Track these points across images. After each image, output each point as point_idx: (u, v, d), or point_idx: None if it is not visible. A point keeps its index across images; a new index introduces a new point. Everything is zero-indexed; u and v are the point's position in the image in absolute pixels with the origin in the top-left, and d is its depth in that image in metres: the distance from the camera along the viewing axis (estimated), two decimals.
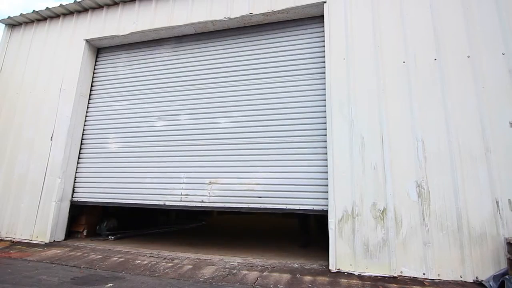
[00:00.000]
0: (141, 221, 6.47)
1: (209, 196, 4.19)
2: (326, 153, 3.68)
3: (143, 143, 4.77)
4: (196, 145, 4.46)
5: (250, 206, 3.98)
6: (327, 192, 3.57)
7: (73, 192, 4.96)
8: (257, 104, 4.29)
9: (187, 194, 4.31)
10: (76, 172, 5.03)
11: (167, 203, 4.38)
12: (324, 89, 3.91)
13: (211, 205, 4.18)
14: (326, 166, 3.66)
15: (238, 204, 4.05)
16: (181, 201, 4.32)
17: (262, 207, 3.93)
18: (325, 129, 3.79)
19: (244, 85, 4.42)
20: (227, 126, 4.37)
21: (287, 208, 3.81)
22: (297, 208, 3.78)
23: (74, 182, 5.00)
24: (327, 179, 3.61)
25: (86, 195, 4.89)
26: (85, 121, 5.25)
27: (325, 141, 3.76)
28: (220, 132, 4.38)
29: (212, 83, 4.62)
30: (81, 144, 5.16)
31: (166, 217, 7.26)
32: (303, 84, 4.14)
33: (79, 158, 5.10)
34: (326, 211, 3.54)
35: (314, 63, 4.16)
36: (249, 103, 4.34)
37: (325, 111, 3.83)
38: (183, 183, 4.37)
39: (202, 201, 4.20)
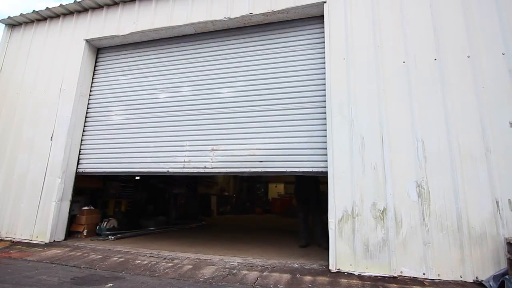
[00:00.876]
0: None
1: (212, 162, 4.31)
2: (324, 118, 3.81)
3: (146, 114, 4.88)
4: (199, 114, 4.57)
5: (251, 170, 4.11)
6: (325, 155, 3.69)
7: (78, 163, 5.08)
8: (258, 74, 4.41)
9: (189, 161, 4.42)
10: (81, 144, 5.14)
11: (170, 170, 4.52)
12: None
13: (213, 171, 4.31)
14: (325, 130, 3.78)
15: (239, 168, 4.18)
16: (183, 167, 4.44)
17: (263, 171, 4.06)
18: (323, 95, 3.90)
19: (245, 61, 4.56)
20: (229, 96, 4.47)
21: (287, 171, 3.93)
22: (297, 170, 3.88)
23: (79, 154, 5.11)
24: (325, 142, 3.74)
25: (91, 166, 5.03)
26: (90, 95, 5.34)
27: (324, 107, 3.87)
28: (222, 101, 4.49)
29: (214, 57, 4.75)
30: (86, 117, 5.25)
31: (166, 218, 7.26)
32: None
33: (84, 130, 5.19)
34: (326, 173, 3.63)
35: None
36: (250, 74, 4.47)
37: (323, 74, 3.96)
38: (186, 150, 4.50)
39: (205, 167, 4.33)
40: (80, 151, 5.12)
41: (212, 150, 4.34)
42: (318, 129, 3.91)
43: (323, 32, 4.08)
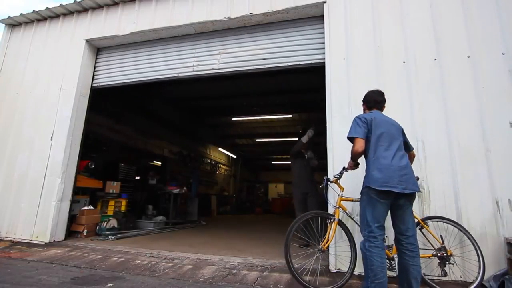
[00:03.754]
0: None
1: (219, 64, 4.69)
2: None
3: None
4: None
5: (255, 67, 4.50)
6: (323, 48, 4.01)
7: (93, 79, 5.42)
8: None
9: (198, 65, 4.80)
10: (95, 63, 5.50)
11: (180, 75, 4.90)
12: None
13: (220, 71, 4.68)
14: (322, 28, 4.08)
15: (244, 67, 4.56)
16: (192, 71, 4.82)
17: (265, 67, 4.44)
18: None
19: None
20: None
21: (288, 64, 4.31)
22: (297, 63, 4.27)
23: (94, 71, 5.46)
24: (323, 38, 4.04)
25: (105, 80, 5.37)
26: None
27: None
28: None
29: None
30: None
31: (166, 217, 7.27)
32: None
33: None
34: (323, 63, 3.92)
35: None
36: None
37: None
38: (194, 56, 4.87)
39: (212, 69, 4.71)
40: (95, 68, 5.47)
41: (219, 53, 4.70)
42: (315, 27, 4.28)
43: (323, 32, 4.08)
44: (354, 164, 2.72)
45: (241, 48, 4.63)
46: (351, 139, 2.56)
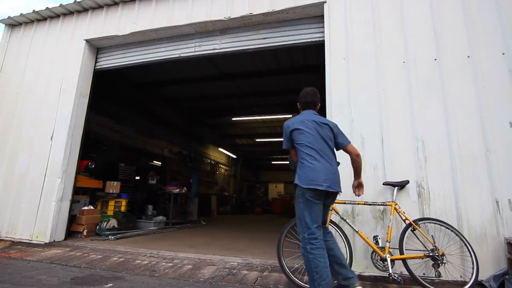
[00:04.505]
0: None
1: (220, 44, 4.80)
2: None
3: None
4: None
5: (255, 47, 4.62)
6: (322, 27, 4.06)
7: (96, 62, 5.52)
8: None
9: (200, 45, 4.91)
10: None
11: (182, 55, 5.02)
12: None
13: (222, 51, 4.79)
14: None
15: (244, 47, 4.68)
16: (194, 51, 4.93)
17: (266, 45, 4.56)
18: None
19: None
20: None
21: (288, 43, 4.44)
22: (297, 42, 4.39)
23: (97, 54, 5.54)
24: (322, 16, 4.07)
25: (109, 62, 5.47)
26: None
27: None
28: None
29: None
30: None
31: (166, 217, 7.27)
32: None
33: None
34: (323, 41, 4.00)
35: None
36: None
37: None
38: (196, 38, 4.96)
39: (214, 49, 4.82)
40: (98, 51, 5.56)
41: (220, 34, 4.80)
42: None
43: (323, 32, 4.08)
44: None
45: (243, 29, 4.72)
46: (285, 150, 2.69)
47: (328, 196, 2.46)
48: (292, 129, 2.53)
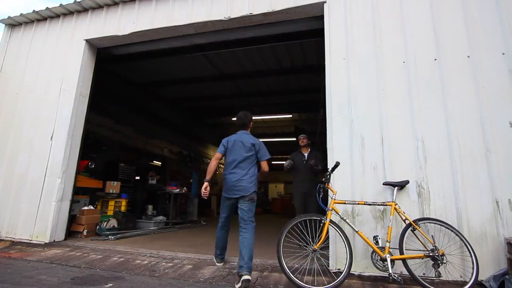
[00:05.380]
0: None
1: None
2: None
3: None
4: None
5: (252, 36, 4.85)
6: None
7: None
8: None
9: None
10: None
11: (181, 34, 4.97)
12: None
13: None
14: None
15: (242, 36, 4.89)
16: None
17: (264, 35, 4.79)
18: None
19: None
20: None
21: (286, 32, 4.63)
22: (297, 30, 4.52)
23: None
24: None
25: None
26: None
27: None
28: None
29: None
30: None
31: (166, 217, 7.27)
32: None
33: None
34: (322, 29, 4.02)
35: None
36: None
37: None
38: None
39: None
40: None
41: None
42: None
43: (323, 32, 4.07)
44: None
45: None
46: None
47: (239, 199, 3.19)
48: (227, 145, 3.33)
